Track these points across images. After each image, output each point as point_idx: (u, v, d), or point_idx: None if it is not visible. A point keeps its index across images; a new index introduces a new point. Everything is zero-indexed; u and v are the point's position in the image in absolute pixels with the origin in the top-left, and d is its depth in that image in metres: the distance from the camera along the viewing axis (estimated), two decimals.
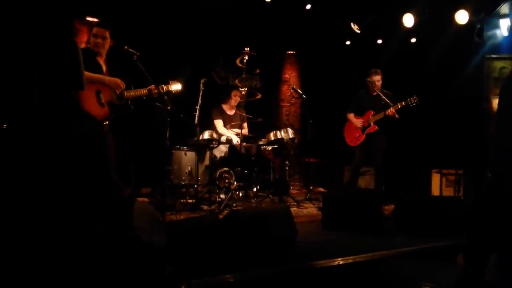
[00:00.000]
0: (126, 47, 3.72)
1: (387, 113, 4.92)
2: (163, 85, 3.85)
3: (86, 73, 3.21)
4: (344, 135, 5.40)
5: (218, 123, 5.51)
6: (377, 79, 5.09)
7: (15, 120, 1.49)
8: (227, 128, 5.57)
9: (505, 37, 5.36)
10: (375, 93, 5.07)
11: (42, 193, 1.41)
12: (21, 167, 1.42)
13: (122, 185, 1.51)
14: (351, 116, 5.34)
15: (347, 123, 5.41)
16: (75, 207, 1.43)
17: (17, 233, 1.38)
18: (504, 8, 5.21)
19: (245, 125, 5.46)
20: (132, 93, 3.59)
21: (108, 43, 3.52)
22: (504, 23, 5.31)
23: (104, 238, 1.42)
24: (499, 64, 5.52)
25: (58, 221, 1.40)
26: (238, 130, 5.21)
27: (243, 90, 4.98)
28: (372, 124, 5.12)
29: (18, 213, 1.39)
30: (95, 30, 3.49)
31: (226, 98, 5.67)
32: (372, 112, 5.15)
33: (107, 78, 3.40)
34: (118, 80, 3.45)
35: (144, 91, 3.66)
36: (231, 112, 5.69)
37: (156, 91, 3.71)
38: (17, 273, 1.36)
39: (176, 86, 4.01)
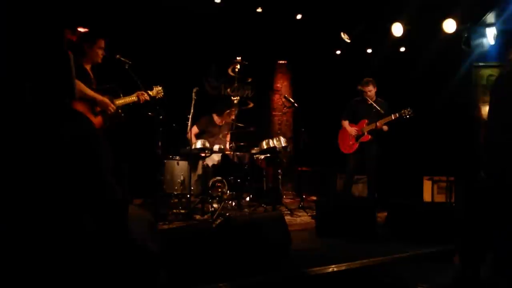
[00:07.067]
0: (118, 56, 3.74)
1: (377, 125, 4.94)
2: (149, 91, 3.88)
3: (81, 89, 3.21)
4: (338, 142, 5.42)
5: (193, 130, 5.39)
6: (369, 89, 5.10)
7: (7, 119, 1.48)
8: (218, 138, 5.53)
9: (491, 46, 5.47)
10: (369, 102, 5.10)
11: (32, 192, 1.40)
12: (12, 166, 1.41)
13: (116, 186, 1.50)
14: (345, 123, 5.35)
15: (341, 130, 5.42)
16: (67, 206, 1.41)
17: (7, 231, 1.36)
18: (489, 17, 5.33)
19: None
20: (121, 100, 3.62)
21: None
22: (490, 32, 5.43)
23: (96, 237, 1.40)
24: (486, 72, 5.63)
25: (49, 220, 1.38)
26: (221, 144, 5.19)
27: (235, 99, 4.99)
28: (366, 133, 5.14)
29: (9, 211, 1.37)
30: (102, 43, 3.51)
31: (222, 111, 5.62)
32: (366, 120, 5.18)
33: (99, 98, 3.38)
34: (110, 104, 3.44)
35: (133, 97, 3.69)
36: (221, 123, 5.66)
37: (143, 96, 3.74)
38: (8, 272, 1.34)
39: (158, 90, 4.04)
